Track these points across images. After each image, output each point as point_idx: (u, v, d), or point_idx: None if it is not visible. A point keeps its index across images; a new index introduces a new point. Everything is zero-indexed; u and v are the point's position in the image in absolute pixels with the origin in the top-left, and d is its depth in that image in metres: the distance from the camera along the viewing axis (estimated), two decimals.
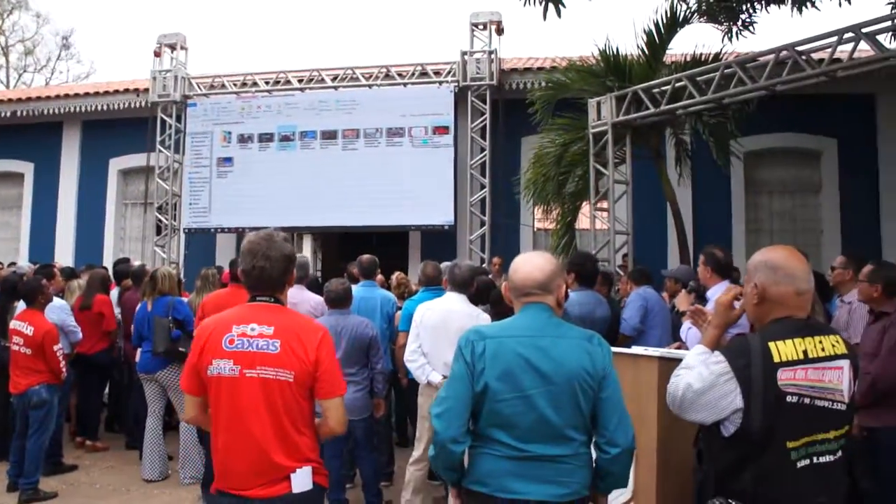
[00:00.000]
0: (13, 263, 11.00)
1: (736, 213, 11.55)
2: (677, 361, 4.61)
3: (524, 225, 11.93)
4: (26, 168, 14.46)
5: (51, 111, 13.66)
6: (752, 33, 9.07)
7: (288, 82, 12.47)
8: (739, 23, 9.02)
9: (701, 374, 2.35)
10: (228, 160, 12.17)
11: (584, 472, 2.55)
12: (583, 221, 10.23)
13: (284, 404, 2.57)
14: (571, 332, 2.62)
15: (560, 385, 2.48)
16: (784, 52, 7.03)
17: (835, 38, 6.64)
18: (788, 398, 2.25)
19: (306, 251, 13.98)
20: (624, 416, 2.57)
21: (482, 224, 11.53)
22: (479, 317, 5.06)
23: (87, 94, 13.59)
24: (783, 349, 2.28)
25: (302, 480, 2.58)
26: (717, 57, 8.89)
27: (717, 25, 9.15)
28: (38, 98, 13.91)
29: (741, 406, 2.27)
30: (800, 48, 6.89)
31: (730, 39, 9.10)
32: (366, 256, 6.65)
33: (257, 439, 2.55)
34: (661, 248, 10.94)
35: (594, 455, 2.59)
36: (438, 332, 4.92)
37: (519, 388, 2.47)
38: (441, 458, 2.54)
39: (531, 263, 2.68)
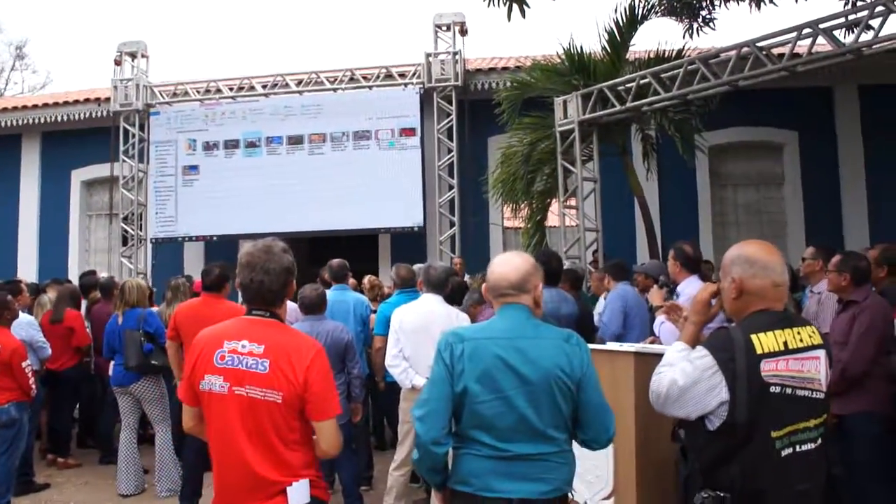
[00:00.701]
0: None
1: (702, 206, 11.72)
2: (653, 357, 4.70)
3: (493, 224, 11.97)
4: None
5: (9, 123, 13.42)
6: (713, 29, 9.22)
7: (252, 88, 12.39)
8: (700, 19, 9.16)
9: (685, 370, 2.37)
10: (194, 168, 12.04)
11: (565, 469, 2.58)
12: (551, 219, 10.31)
13: (273, 424, 2.51)
14: (549, 332, 2.64)
15: (538, 385, 2.50)
16: (745, 49, 7.15)
17: (794, 34, 6.78)
18: (772, 389, 2.29)
19: None
20: (604, 415, 2.61)
21: (451, 225, 11.56)
22: (459, 317, 5.07)
23: (45, 105, 13.36)
24: (765, 341, 2.32)
25: (299, 494, 2.53)
26: (679, 53, 9.01)
27: (677, 21, 9.28)
28: None
29: (727, 399, 2.29)
30: (760, 44, 7.03)
31: (690, 36, 9.25)
32: (336, 260, 6.63)
33: (245, 457, 2.51)
34: (630, 243, 11.05)
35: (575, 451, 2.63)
36: (419, 335, 4.91)
37: (498, 390, 2.48)
38: (425, 461, 2.56)
39: (507, 264, 2.69)
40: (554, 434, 2.53)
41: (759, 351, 2.30)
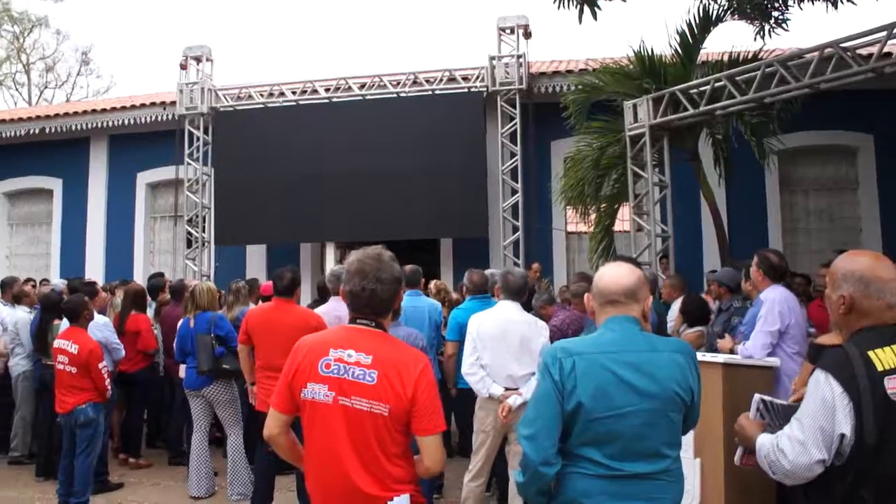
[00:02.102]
0: (45, 280, 11.02)
1: (771, 212, 11.40)
2: (742, 368, 4.57)
3: (556, 229, 11.82)
4: (55, 184, 14.52)
5: (78, 127, 13.70)
6: (786, 30, 8.94)
7: (315, 91, 12.42)
8: (772, 20, 8.90)
9: (816, 417, 2.24)
10: (257, 171, 12.08)
11: (676, 487, 2.50)
12: (619, 224, 10.13)
13: (378, 437, 2.45)
14: (662, 344, 2.55)
15: (656, 402, 2.41)
16: (828, 49, 6.90)
17: (883, 34, 6.51)
18: None
19: (329, 261, 13.99)
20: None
21: (514, 230, 11.42)
22: (537, 325, 4.98)
23: (113, 109, 13.61)
24: (883, 357, 2.20)
25: None
26: (756, 56, 8.75)
27: (749, 23, 9.03)
28: (66, 114, 13.95)
29: (853, 422, 2.16)
30: (845, 44, 6.76)
31: (762, 37, 8.98)
32: (409, 266, 6.57)
33: (347, 469, 2.44)
34: (696, 249, 10.83)
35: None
36: (498, 343, 4.82)
37: (613, 406, 2.38)
38: (533, 482, 2.44)
39: (618, 269, 2.60)
40: (667, 451, 2.45)
41: (879, 368, 2.18)
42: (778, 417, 2.63)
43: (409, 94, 11.99)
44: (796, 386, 4.25)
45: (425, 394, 2.46)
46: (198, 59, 13.10)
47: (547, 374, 2.45)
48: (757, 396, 2.75)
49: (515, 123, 11.45)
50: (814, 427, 2.23)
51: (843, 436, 2.18)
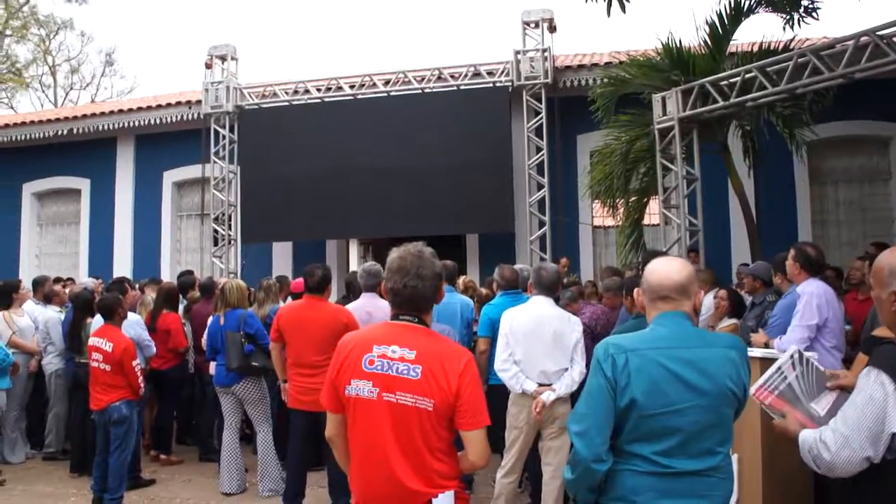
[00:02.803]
0: (71, 280, 11.12)
1: (801, 204, 11.24)
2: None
3: (583, 224, 11.74)
4: (83, 184, 14.66)
5: (105, 127, 13.81)
6: (816, 19, 8.80)
7: (340, 88, 12.41)
8: (801, 10, 8.76)
9: (856, 407, 2.22)
10: (283, 169, 12.10)
11: (727, 484, 2.46)
12: (646, 218, 10.04)
13: (422, 432, 2.44)
14: (715, 340, 2.52)
15: (710, 398, 2.37)
16: (864, 38, 6.77)
17: None
18: None
19: (353, 258, 14.00)
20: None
21: (541, 225, 11.35)
22: (571, 320, 4.93)
23: (139, 109, 13.69)
24: None
25: None
26: (787, 46, 8.62)
27: (779, 13, 8.90)
28: (93, 115, 14.07)
29: None
30: (881, 32, 6.63)
31: (791, 27, 8.85)
32: (446, 262, 6.54)
33: (392, 466, 2.43)
34: (725, 242, 10.73)
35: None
36: (531, 338, 4.78)
37: (667, 403, 2.35)
38: (584, 480, 2.42)
39: (669, 265, 2.56)
40: (719, 449, 2.41)
41: None
42: (806, 379, 2.64)
43: (434, 90, 11.94)
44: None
45: (469, 388, 2.46)
46: (223, 58, 13.14)
47: (599, 370, 2.42)
48: (794, 346, 2.73)
49: (541, 118, 11.36)
50: (859, 424, 2.19)
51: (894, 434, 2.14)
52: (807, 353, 2.72)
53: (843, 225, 11.44)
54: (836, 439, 2.23)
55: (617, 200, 9.48)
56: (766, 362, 4.29)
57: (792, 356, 2.65)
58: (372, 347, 2.51)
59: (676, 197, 8.75)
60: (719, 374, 2.38)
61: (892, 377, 2.16)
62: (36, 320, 7.83)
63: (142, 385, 6.07)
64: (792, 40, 8.78)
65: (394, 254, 2.64)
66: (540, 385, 4.76)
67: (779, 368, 2.65)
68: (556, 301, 5.29)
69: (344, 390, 2.52)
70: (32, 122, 14.36)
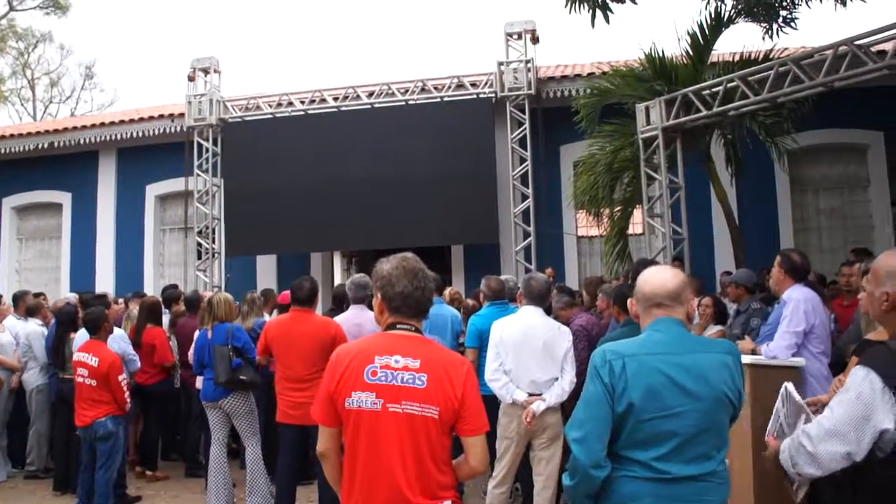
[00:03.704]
0: (39, 294, 10.92)
1: (782, 211, 11.37)
2: (768, 368, 4.53)
3: (567, 234, 11.79)
4: (64, 198, 14.53)
5: (86, 140, 13.74)
6: (795, 29, 8.92)
7: (323, 101, 12.41)
8: (780, 20, 8.88)
9: (849, 411, 2.24)
10: (267, 182, 12.07)
11: (723, 490, 2.49)
12: (630, 227, 10.10)
13: (428, 441, 2.44)
14: (710, 345, 2.57)
15: (707, 403, 2.40)
16: (843, 47, 6.87)
17: None
18: None
19: (337, 270, 13.97)
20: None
21: (526, 235, 11.38)
22: (560, 329, 4.94)
23: (121, 122, 13.63)
24: None
25: None
26: (767, 56, 8.73)
27: (758, 23, 9.01)
28: (74, 128, 13.98)
29: None
30: (860, 42, 6.73)
31: (770, 37, 8.97)
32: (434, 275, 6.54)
33: (396, 477, 2.42)
34: (708, 251, 10.80)
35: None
36: (521, 348, 4.79)
37: (664, 408, 2.37)
38: (582, 486, 2.43)
39: (661, 273, 2.61)
40: (713, 453, 2.44)
41: None
42: (790, 412, 2.71)
43: (418, 102, 11.97)
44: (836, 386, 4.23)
45: (472, 394, 2.48)
46: (206, 71, 13.11)
47: (597, 376, 2.44)
48: (787, 384, 2.79)
49: (525, 128, 11.42)
50: (845, 418, 2.24)
51: (884, 431, 2.17)
52: (792, 389, 2.79)
53: (823, 232, 11.56)
54: (818, 432, 2.29)
55: (602, 210, 9.53)
56: (754, 368, 4.33)
57: (781, 394, 2.69)
58: (373, 358, 2.49)
59: (660, 206, 8.82)
60: (715, 380, 2.41)
61: (881, 375, 2.19)
62: (17, 335, 7.73)
63: (128, 400, 6.02)
64: (771, 50, 8.89)
65: (389, 263, 2.63)
66: (530, 395, 4.77)
67: (775, 411, 2.71)
68: (547, 311, 5.30)
69: (343, 403, 2.49)
70: (12, 136, 14.25)
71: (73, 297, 9.33)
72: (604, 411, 2.39)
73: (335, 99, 12.37)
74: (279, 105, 12.65)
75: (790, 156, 10.10)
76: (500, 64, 11.60)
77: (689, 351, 2.45)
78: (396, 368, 2.46)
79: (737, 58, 9.04)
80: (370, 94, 12.20)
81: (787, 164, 10.09)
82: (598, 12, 7.24)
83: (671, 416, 2.36)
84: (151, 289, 12.69)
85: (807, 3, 8.64)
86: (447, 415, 2.44)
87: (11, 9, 29.34)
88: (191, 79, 13.01)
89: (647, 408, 2.37)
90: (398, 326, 2.58)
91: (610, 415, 2.39)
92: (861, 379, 2.23)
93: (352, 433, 2.50)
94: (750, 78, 7.67)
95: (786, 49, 9.07)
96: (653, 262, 5.76)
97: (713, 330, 6.07)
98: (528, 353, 4.78)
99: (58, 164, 14.30)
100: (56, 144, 13.82)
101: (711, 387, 2.40)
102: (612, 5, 7.29)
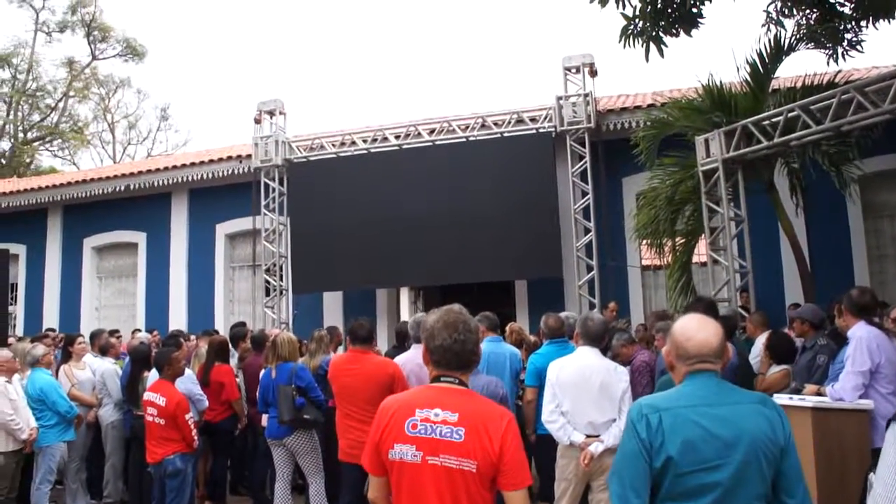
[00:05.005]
0: (137, 330, 11.42)
1: (855, 240, 10.95)
2: (833, 412, 4.40)
3: (632, 266, 11.66)
4: (139, 238, 15.13)
5: (160, 182, 14.33)
6: (861, 52, 8.69)
7: (385, 139, 12.63)
8: (845, 43, 8.67)
9: None
10: (332, 220, 12.32)
11: None
12: (695, 257, 9.93)
13: (468, 495, 2.45)
14: (743, 396, 2.52)
15: (745, 454, 2.36)
16: None
17: None
18: None
19: (404, 305, 14.07)
20: (803, 479, 2.47)
21: (589, 269, 11.31)
22: (617, 370, 4.91)
23: (192, 164, 14.17)
24: None
25: None
26: (832, 81, 8.53)
27: (821, 49, 8.82)
28: (148, 171, 14.59)
29: None
30: None
31: (836, 61, 8.75)
32: (488, 313, 6.58)
33: None
34: (777, 283, 10.53)
35: None
36: (578, 389, 4.77)
37: (703, 461, 2.35)
38: None
39: (704, 330, 2.55)
40: None
41: None
42: None
43: (478, 138, 12.08)
44: None
45: (512, 448, 2.47)
46: (271, 113, 13.51)
47: (633, 432, 2.44)
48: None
49: (585, 162, 11.41)
50: (889, 482, 2.17)
51: None
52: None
53: None
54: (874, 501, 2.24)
55: (664, 243, 9.40)
56: (817, 412, 4.22)
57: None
58: (414, 411, 2.54)
59: (723, 238, 8.66)
60: (753, 430, 2.39)
61: None
62: (94, 372, 8.06)
63: (195, 438, 6.19)
64: (837, 73, 8.67)
65: (433, 316, 2.69)
66: (588, 436, 4.74)
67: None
68: (604, 351, 5.27)
69: (387, 454, 2.55)
70: (93, 180, 14.97)
71: (145, 337, 9.68)
72: (639, 468, 2.39)
73: (396, 137, 12.57)
74: (342, 144, 12.93)
75: (861, 181, 9.81)
76: (559, 98, 11.63)
77: (725, 402, 2.44)
78: (436, 422, 2.50)
79: (799, 83, 8.85)
80: (431, 132, 12.36)
81: (857, 191, 9.78)
82: (653, 46, 7.23)
83: (710, 468, 2.34)
84: (222, 324, 13.03)
85: (874, 24, 8.43)
86: (486, 469, 2.45)
87: (94, 58, 30.87)
88: (257, 121, 13.41)
89: (684, 461, 2.35)
90: (442, 379, 2.62)
91: (647, 471, 2.38)
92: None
93: (395, 484, 2.56)
94: (812, 107, 7.52)
95: (854, 70, 8.82)
96: (710, 304, 5.67)
97: (777, 370, 5.91)
98: (584, 394, 4.76)
99: (134, 205, 14.93)
100: (132, 187, 14.44)
101: (750, 437, 2.37)
102: (667, 39, 7.28)
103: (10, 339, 8.89)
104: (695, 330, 2.56)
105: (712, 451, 2.35)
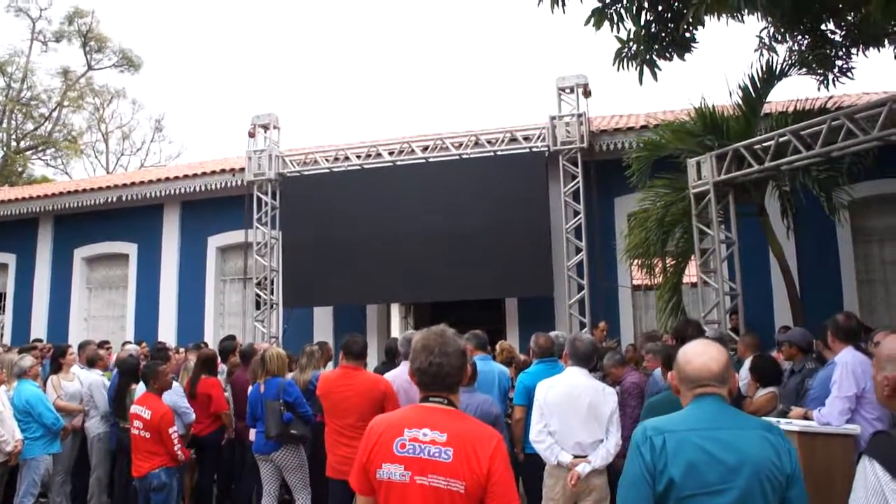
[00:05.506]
0: (128, 342, 11.36)
1: (844, 264, 11.01)
2: (820, 436, 4.41)
3: (622, 286, 11.69)
4: (130, 249, 15.07)
5: (152, 194, 14.29)
6: (851, 79, 8.81)
7: (379, 155, 12.66)
8: (836, 69, 8.78)
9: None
10: (324, 235, 12.32)
11: None
12: (685, 278, 9.96)
13: None
14: (749, 422, 2.53)
15: (748, 479, 2.37)
16: None
17: None
18: None
19: (394, 321, 14.06)
20: None
21: (580, 288, 11.33)
22: (605, 391, 4.92)
23: (185, 177, 14.14)
24: None
25: None
26: (823, 107, 8.62)
27: (813, 76, 8.92)
28: (141, 182, 14.55)
29: None
30: None
31: (826, 87, 8.87)
32: (477, 332, 6.60)
33: None
34: (767, 306, 10.55)
35: None
36: (566, 409, 4.78)
37: (705, 484, 2.36)
38: None
39: (706, 354, 2.58)
40: None
41: None
42: None
43: (472, 156, 12.13)
44: None
45: (500, 469, 2.48)
46: (265, 127, 13.53)
47: (637, 454, 2.46)
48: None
49: (578, 181, 11.45)
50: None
51: None
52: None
53: (890, 284, 11.19)
54: None
55: (654, 265, 9.44)
56: (803, 436, 4.23)
57: None
58: (403, 431, 2.55)
59: (714, 260, 8.70)
60: (757, 456, 2.39)
61: (885, 465, 2.07)
62: (82, 383, 8.01)
63: (180, 452, 6.16)
64: (828, 100, 8.76)
65: (416, 336, 2.72)
66: (575, 456, 4.74)
67: None
68: (592, 371, 5.29)
69: (375, 474, 2.55)
70: (85, 190, 14.91)
71: (134, 349, 9.63)
72: (643, 492, 2.41)
73: (390, 153, 12.60)
74: (336, 159, 12.95)
75: (851, 206, 9.88)
76: (553, 118, 11.67)
77: (730, 427, 2.45)
78: (424, 442, 2.50)
79: (791, 108, 8.93)
80: (424, 149, 12.39)
81: (846, 217, 9.84)
82: (647, 69, 7.30)
83: (713, 492, 2.35)
84: (211, 337, 12.99)
85: (864, 52, 8.55)
86: (474, 489, 2.44)
87: (90, 68, 30.92)
88: (251, 135, 13.43)
89: (687, 484, 2.36)
90: (430, 399, 2.63)
91: (650, 495, 2.40)
92: (867, 471, 2.10)
93: (383, 503, 2.56)
94: (802, 132, 7.58)
95: (845, 96, 8.92)
96: (697, 326, 5.70)
97: (763, 393, 5.92)
98: (572, 414, 4.76)
99: (125, 216, 14.88)
100: (124, 198, 14.40)
101: (753, 462, 2.37)
102: (660, 62, 7.35)
103: None
104: (695, 354, 2.59)
105: (715, 475, 2.36)
